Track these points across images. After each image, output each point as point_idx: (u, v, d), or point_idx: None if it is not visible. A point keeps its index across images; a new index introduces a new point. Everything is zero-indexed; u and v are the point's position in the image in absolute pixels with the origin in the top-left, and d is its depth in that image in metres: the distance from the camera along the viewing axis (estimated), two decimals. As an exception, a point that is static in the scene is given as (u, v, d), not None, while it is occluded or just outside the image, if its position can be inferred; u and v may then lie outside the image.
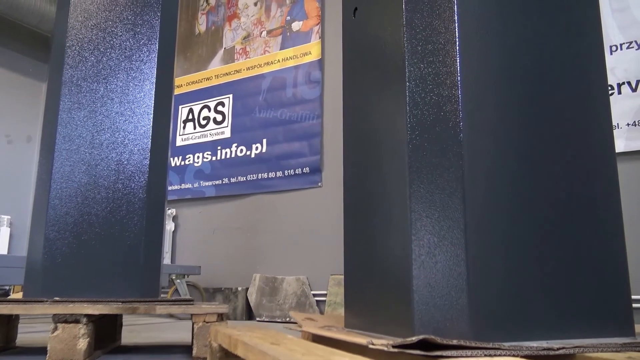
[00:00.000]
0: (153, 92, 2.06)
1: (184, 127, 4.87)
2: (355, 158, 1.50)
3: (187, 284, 4.03)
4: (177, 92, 4.96)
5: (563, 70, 1.30)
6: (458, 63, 1.17)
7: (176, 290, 3.98)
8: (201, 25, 5.01)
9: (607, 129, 1.32)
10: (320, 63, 4.18)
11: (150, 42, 2.10)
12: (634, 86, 3.04)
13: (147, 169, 1.97)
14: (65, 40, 2.03)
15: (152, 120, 2.03)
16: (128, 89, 2.03)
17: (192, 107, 4.86)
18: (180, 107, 4.93)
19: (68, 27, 2.04)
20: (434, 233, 1.14)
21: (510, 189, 1.15)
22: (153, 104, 2.04)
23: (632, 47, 3.05)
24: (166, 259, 4.57)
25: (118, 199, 1.91)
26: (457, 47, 1.18)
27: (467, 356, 0.76)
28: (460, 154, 1.12)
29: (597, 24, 1.40)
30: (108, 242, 1.86)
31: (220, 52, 4.81)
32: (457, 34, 1.19)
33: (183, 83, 4.98)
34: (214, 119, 4.69)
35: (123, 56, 2.06)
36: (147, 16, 2.11)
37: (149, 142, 2.00)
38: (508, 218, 1.13)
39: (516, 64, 1.25)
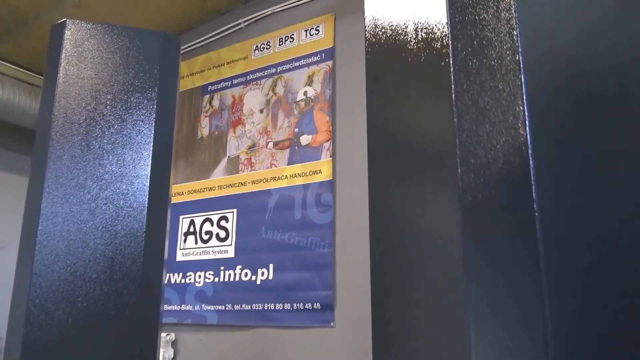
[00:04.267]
0: (145, 214, 1.79)
1: (184, 241, 4.51)
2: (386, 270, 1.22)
3: None
4: (178, 200, 4.62)
5: None
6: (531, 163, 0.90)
7: None
8: (204, 128, 4.70)
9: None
10: (332, 184, 3.82)
11: (144, 154, 1.87)
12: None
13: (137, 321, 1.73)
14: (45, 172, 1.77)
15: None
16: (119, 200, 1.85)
17: (193, 218, 4.51)
18: (181, 217, 4.58)
19: (48, 155, 1.76)
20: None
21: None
22: (145, 232, 1.77)
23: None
24: (164, 392, 4.16)
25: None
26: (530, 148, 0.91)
27: None
28: (539, 267, 0.84)
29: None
30: None
31: (224, 161, 4.48)
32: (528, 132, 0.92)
33: (184, 191, 4.65)
34: (217, 234, 4.33)
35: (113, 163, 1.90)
36: (140, 127, 1.91)
37: (140, 275, 1.75)
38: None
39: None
